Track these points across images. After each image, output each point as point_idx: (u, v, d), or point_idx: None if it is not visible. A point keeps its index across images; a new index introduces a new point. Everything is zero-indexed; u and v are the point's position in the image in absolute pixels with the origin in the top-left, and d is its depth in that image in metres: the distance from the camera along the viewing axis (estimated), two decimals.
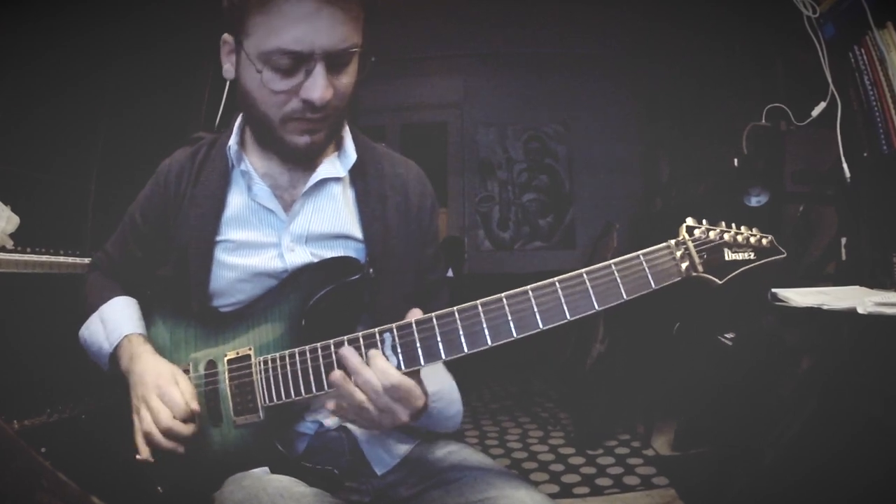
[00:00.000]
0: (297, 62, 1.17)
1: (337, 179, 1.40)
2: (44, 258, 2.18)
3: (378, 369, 1.06)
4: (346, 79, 1.25)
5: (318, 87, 1.18)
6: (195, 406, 1.22)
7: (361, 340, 1.13)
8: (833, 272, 2.70)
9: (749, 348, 2.54)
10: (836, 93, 2.64)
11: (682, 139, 5.28)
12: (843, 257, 2.61)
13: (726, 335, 2.75)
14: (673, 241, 1.11)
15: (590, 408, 4.08)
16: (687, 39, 4.67)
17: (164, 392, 1.22)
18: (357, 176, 1.42)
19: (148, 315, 1.44)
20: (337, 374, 1.08)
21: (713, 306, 3.01)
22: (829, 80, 2.67)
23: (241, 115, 1.43)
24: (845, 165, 2.57)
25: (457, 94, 6.57)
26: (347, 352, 1.09)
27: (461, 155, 6.57)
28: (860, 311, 1.76)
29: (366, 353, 1.10)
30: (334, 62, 1.20)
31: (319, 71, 1.17)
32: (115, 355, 1.36)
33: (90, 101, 2.66)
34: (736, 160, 3.14)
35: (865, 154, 2.44)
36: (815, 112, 2.81)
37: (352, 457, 1.33)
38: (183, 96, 3.20)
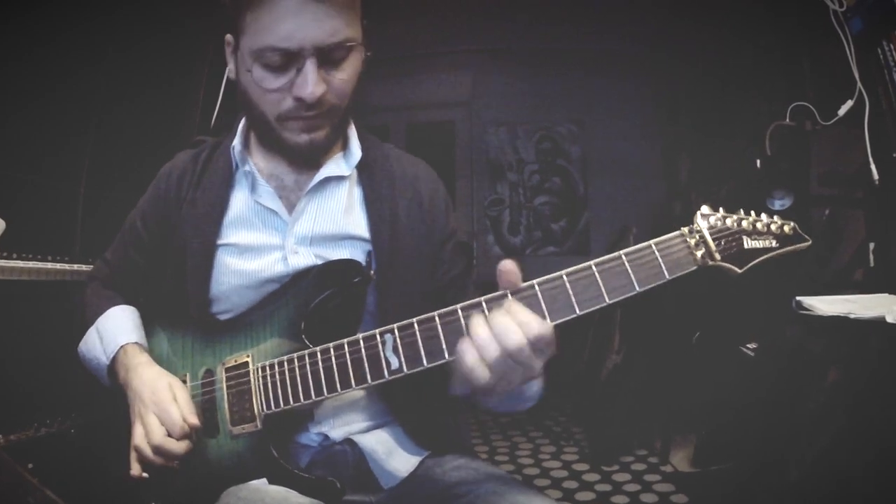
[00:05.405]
0: (288, 59, 1.20)
1: (341, 178, 1.42)
2: (31, 264, 2.19)
3: (520, 321, 1.01)
4: (343, 74, 1.26)
5: (308, 83, 1.20)
6: (193, 421, 1.23)
7: (362, 344, 1.14)
8: (861, 279, 2.70)
9: (773, 359, 2.54)
10: (863, 90, 2.64)
11: (703, 139, 5.28)
12: (872, 263, 2.61)
13: (749, 345, 2.75)
14: (686, 229, 1.10)
15: (605, 421, 4.07)
16: (708, 35, 4.67)
17: (161, 409, 1.23)
18: (364, 174, 1.45)
19: (148, 324, 1.45)
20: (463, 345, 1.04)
21: (735, 314, 3.01)
22: (857, 77, 2.67)
23: (243, 112, 1.45)
24: (874, 167, 2.57)
25: (465, 91, 6.55)
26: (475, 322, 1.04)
27: (469, 156, 6.55)
28: (889, 319, 1.75)
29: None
30: (327, 57, 1.22)
31: (310, 67, 1.20)
32: (112, 368, 1.36)
33: (80, 100, 2.67)
34: (759, 161, 3.14)
35: (895, 155, 2.43)
36: (842, 111, 2.81)
37: (356, 471, 1.33)
38: (177, 96, 3.22)
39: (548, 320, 1.04)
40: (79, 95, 2.65)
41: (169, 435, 1.21)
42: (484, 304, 1.08)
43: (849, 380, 2.05)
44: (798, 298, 2.12)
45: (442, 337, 1.09)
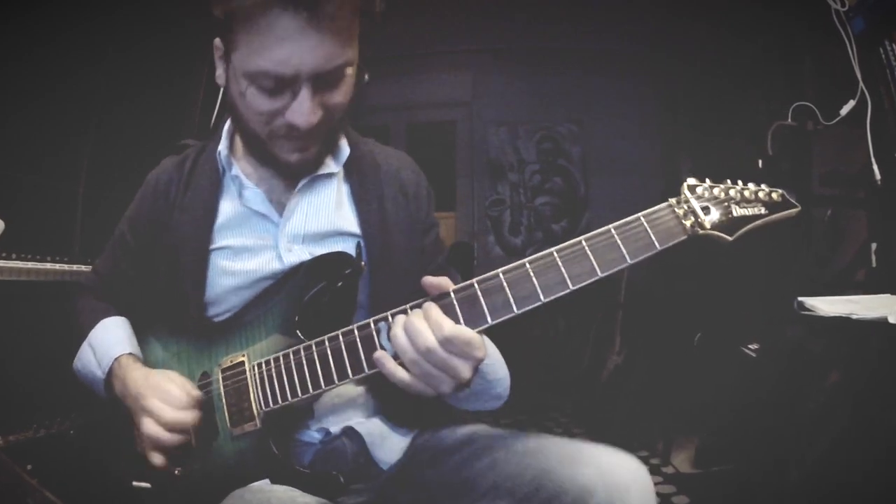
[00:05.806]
0: (283, 84, 1.17)
1: (330, 175, 1.42)
2: (30, 265, 2.19)
3: (433, 321, 1.05)
4: (339, 97, 1.24)
5: (303, 111, 1.18)
6: (195, 392, 1.24)
7: (356, 332, 1.14)
8: (863, 280, 2.69)
9: (774, 360, 2.53)
10: (865, 90, 2.64)
11: (702, 139, 5.28)
12: (874, 264, 2.61)
13: (750, 346, 2.74)
14: (674, 200, 1.11)
15: (606, 422, 4.07)
16: (709, 34, 4.67)
17: (160, 390, 1.23)
18: (351, 170, 1.46)
19: (140, 332, 1.44)
20: (378, 353, 1.09)
21: (736, 315, 3.01)
22: (859, 76, 2.67)
23: (230, 119, 1.44)
24: (876, 167, 2.57)
25: (465, 91, 6.55)
26: (396, 325, 1.08)
27: (470, 156, 6.54)
28: (891, 320, 1.75)
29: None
30: (323, 82, 1.19)
31: (305, 94, 1.17)
32: (108, 381, 1.35)
33: (80, 100, 2.67)
34: (760, 161, 3.14)
35: None
36: (844, 111, 2.80)
37: (355, 463, 1.34)
38: (176, 96, 3.22)
39: (542, 297, 1.05)
40: (79, 95, 2.65)
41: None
42: (476, 286, 1.09)
43: (850, 380, 2.05)
44: (800, 299, 2.12)
45: None
